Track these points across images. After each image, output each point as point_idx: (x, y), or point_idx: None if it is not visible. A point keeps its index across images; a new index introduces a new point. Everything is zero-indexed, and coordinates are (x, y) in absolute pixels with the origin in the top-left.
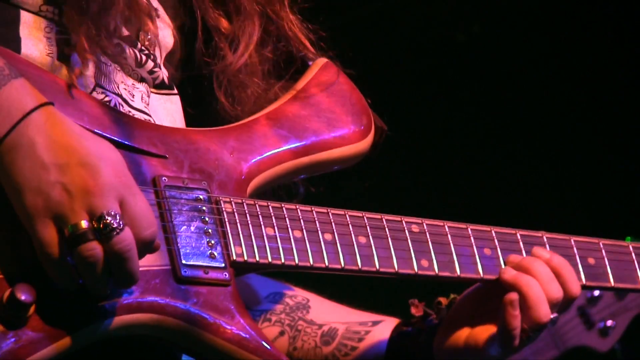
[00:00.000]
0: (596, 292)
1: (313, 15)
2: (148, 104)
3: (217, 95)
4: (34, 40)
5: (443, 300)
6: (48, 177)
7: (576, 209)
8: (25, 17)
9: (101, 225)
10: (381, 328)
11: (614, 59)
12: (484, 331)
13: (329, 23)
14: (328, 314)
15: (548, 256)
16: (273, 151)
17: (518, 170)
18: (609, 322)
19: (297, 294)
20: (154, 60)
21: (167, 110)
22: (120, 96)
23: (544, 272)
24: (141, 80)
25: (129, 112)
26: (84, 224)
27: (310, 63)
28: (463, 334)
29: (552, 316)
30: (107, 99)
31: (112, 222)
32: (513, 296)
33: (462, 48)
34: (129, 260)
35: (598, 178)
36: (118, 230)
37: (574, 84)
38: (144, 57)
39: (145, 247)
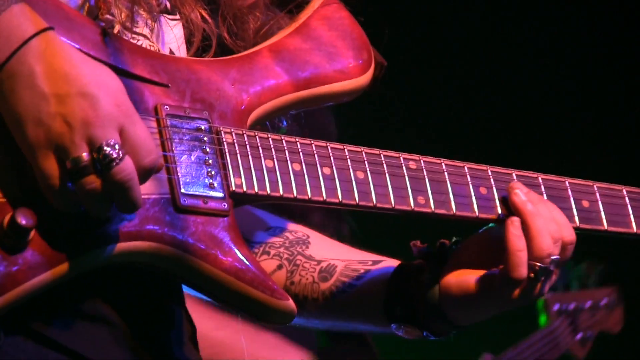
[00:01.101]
0: (588, 304)
1: None
2: (152, 30)
3: (220, 31)
4: None
5: (446, 242)
6: (48, 108)
7: (574, 151)
8: None
9: (101, 156)
10: (381, 267)
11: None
12: (494, 273)
13: None
14: (327, 251)
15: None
16: (274, 83)
17: (517, 111)
18: (589, 333)
19: (297, 229)
20: None
21: (170, 37)
22: (123, 23)
23: (546, 210)
24: (144, 6)
25: (132, 38)
26: (84, 156)
27: None
28: (473, 279)
29: (554, 257)
30: (110, 25)
31: (111, 152)
32: (514, 218)
33: None
34: (130, 189)
35: (599, 124)
36: (118, 161)
37: (576, 34)
38: None
39: (147, 174)
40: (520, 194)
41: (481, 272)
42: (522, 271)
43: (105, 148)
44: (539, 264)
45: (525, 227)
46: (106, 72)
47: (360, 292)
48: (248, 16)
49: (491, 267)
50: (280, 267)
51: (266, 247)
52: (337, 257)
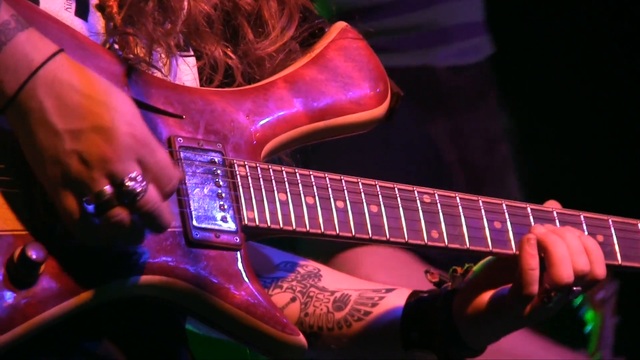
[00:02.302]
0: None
1: None
2: (164, 65)
3: (235, 74)
4: None
5: (459, 269)
6: (63, 146)
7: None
8: None
9: (124, 191)
10: (395, 295)
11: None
12: (506, 291)
13: None
14: (340, 282)
15: (579, 234)
16: (289, 115)
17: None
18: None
19: (308, 264)
20: (172, 22)
21: (183, 71)
22: (137, 55)
23: (575, 243)
24: (163, 45)
25: (148, 69)
26: (107, 190)
27: (326, 29)
28: (485, 297)
29: (575, 288)
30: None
31: (134, 186)
32: (530, 236)
33: None
34: (158, 216)
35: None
36: (142, 193)
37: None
38: (161, 19)
39: (170, 197)
40: (540, 227)
41: (494, 292)
42: (533, 289)
43: (127, 183)
44: (555, 292)
45: (547, 254)
46: (119, 96)
47: (375, 319)
48: (265, 60)
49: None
50: (293, 299)
51: (278, 281)
52: (351, 287)
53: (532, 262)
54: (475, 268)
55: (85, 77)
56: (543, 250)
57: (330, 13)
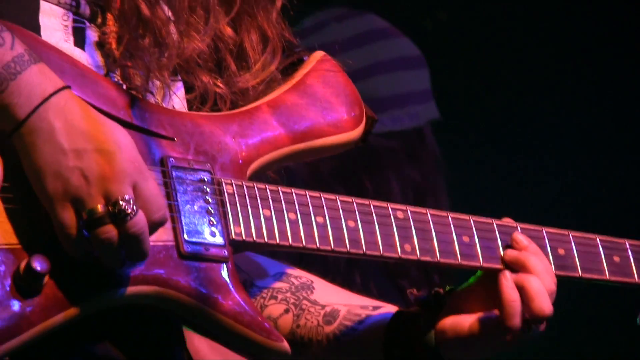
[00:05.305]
0: None
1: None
2: (159, 89)
3: (219, 104)
4: (52, 30)
5: (441, 291)
6: (67, 162)
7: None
8: (44, 6)
9: (116, 210)
10: (382, 312)
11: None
12: (488, 318)
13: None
14: (331, 296)
15: (537, 250)
16: (272, 136)
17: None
18: None
19: (302, 275)
20: (167, 57)
21: (175, 98)
22: (136, 86)
23: (540, 266)
24: (159, 77)
25: (144, 96)
26: (100, 208)
27: (305, 58)
28: (467, 321)
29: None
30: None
31: (126, 207)
32: (506, 272)
33: (429, 36)
34: (142, 241)
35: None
36: (132, 215)
37: (545, 72)
38: (157, 53)
39: (156, 227)
40: (507, 273)
41: (475, 317)
42: (516, 321)
43: (120, 202)
44: (536, 323)
45: (523, 290)
46: (120, 130)
47: (361, 335)
48: (249, 90)
49: (485, 312)
50: (287, 311)
51: (273, 292)
52: (340, 302)
53: (513, 294)
54: (458, 289)
55: (91, 109)
56: (519, 286)
57: None
